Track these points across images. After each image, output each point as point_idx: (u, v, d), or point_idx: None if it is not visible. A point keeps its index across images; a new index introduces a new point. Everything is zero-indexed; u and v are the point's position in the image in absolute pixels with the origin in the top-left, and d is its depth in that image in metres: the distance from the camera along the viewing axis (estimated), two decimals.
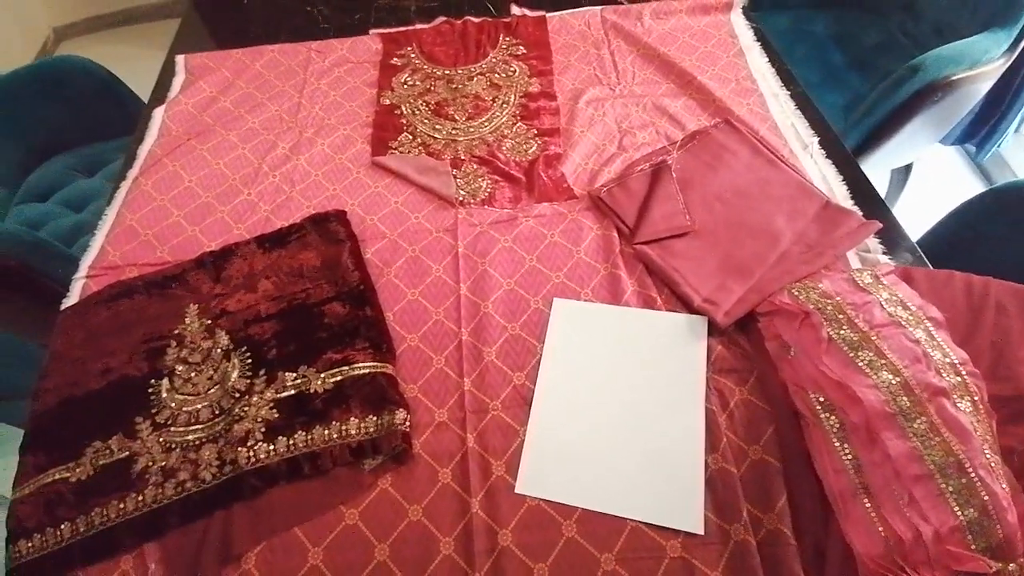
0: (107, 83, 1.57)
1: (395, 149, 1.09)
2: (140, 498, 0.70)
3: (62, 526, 0.70)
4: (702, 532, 0.66)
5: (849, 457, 0.68)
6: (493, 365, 0.80)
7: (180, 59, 1.30)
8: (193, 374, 0.80)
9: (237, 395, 0.77)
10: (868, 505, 0.65)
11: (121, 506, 0.70)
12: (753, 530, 0.66)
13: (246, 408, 0.75)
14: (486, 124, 1.12)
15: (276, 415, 0.75)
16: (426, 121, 1.13)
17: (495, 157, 1.06)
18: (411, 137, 1.11)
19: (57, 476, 0.73)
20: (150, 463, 0.73)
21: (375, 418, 0.73)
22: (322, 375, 0.77)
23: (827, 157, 1.02)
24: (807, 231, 0.89)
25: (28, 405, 0.81)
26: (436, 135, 1.11)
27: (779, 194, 0.94)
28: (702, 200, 0.95)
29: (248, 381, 0.78)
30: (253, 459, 0.71)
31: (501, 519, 0.68)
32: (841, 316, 0.75)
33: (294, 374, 0.78)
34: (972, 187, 1.94)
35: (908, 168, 1.63)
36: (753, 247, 0.88)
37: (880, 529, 0.63)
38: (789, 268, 0.84)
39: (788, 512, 0.67)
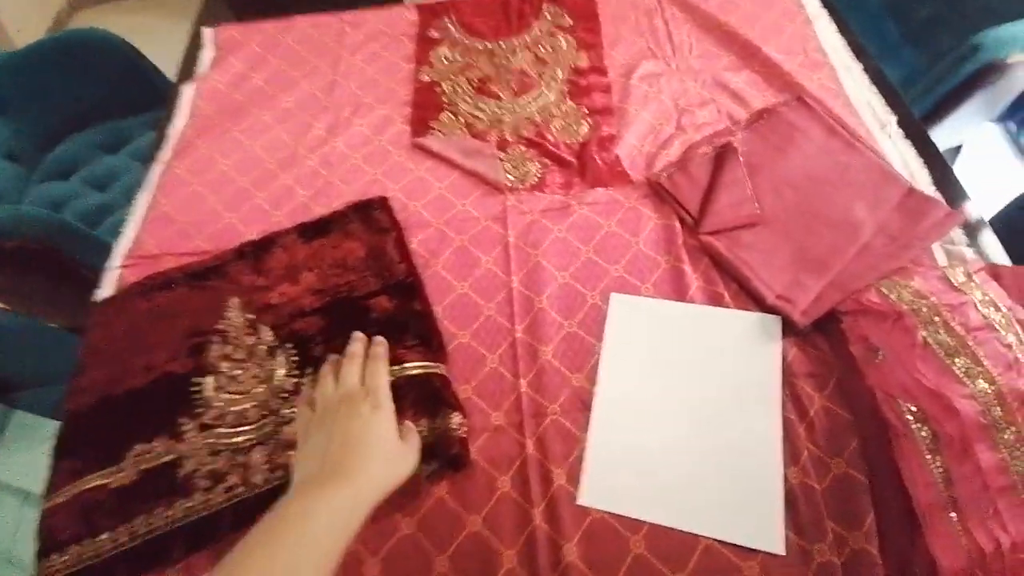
0: (129, 57, 1.52)
1: (437, 130, 1.02)
2: (190, 504, 0.67)
3: (101, 536, 0.65)
4: (783, 552, 0.61)
5: (940, 470, 0.63)
6: (550, 365, 0.76)
7: (208, 32, 1.23)
8: (238, 372, 0.76)
9: (284, 396, 0.73)
10: (955, 518, 0.60)
11: (169, 513, 0.66)
12: (837, 550, 0.61)
13: (295, 410, 0.71)
14: (533, 102, 1.05)
15: None
16: (469, 99, 1.06)
17: (544, 138, 0.99)
18: (453, 116, 1.04)
19: (96, 483, 0.69)
20: (198, 466, 0.69)
21: (428, 422, 0.69)
22: None
23: (906, 138, 0.93)
24: (890, 221, 0.82)
25: (59, 401, 0.76)
26: (480, 114, 1.04)
27: (858, 180, 0.86)
28: (771, 186, 0.88)
29: (295, 380, 0.74)
30: None
31: (564, 532, 0.64)
32: (937, 319, 0.68)
33: None
34: (1010, 164, 1.95)
35: (956, 149, 1.55)
36: (830, 238, 0.81)
37: (964, 542, 0.59)
38: (872, 263, 0.77)
39: (875, 531, 0.63)
